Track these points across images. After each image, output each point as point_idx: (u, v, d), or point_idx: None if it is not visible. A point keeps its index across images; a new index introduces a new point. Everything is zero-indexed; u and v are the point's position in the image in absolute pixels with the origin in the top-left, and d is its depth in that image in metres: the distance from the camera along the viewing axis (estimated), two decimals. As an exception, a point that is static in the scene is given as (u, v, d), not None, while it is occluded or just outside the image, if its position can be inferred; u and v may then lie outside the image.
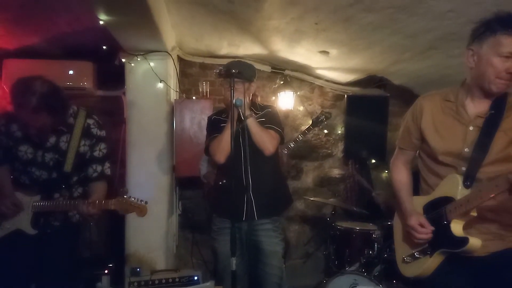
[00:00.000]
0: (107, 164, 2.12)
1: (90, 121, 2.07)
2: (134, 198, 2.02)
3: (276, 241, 2.24)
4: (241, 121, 2.05)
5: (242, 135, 2.08)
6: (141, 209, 2.02)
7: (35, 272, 2.00)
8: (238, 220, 2.11)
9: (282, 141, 2.32)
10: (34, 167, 1.99)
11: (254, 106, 2.29)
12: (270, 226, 2.22)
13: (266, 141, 2.15)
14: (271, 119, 2.26)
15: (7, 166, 2.02)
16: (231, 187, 1.84)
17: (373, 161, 3.92)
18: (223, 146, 2.11)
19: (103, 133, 2.12)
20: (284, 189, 2.49)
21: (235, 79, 1.92)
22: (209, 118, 2.39)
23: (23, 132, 1.98)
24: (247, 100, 2.12)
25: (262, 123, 2.19)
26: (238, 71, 1.90)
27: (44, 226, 2.01)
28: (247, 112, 2.10)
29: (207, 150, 2.28)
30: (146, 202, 2.04)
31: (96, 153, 2.08)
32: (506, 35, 1.33)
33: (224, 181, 2.21)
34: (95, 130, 2.08)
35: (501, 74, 1.37)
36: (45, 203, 1.98)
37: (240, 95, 2.01)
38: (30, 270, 1.99)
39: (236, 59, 2.41)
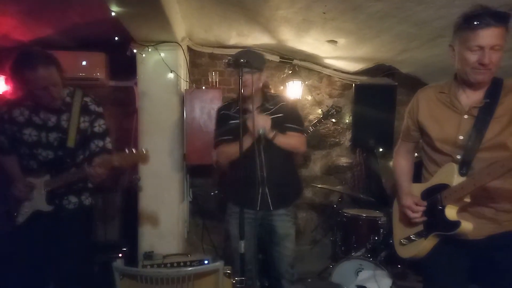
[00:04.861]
0: (107, 139, 2.18)
1: (87, 99, 2.13)
2: (134, 150, 2.01)
3: (289, 225, 2.32)
4: (260, 141, 2.11)
5: (257, 143, 2.12)
6: (142, 157, 2.02)
7: (52, 255, 2.09)
8: (253, 209, 2.18)
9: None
10: (40, 148, 2.06)
11: (265, 98, 2.27)
12: (283, 212, 2.29)
13: (297, 146, 2.27)
14: (292, 117, 2.26)
15: (14, 155, 2.11)
16: (245, 180, 1.88)
17: (381, 149, 3.94)
18: (230, 157, 2.18)
19: (100, 109, 2.17)
20: (298, 180, 2.53)
21: (244, 70, 1.94)
22: (218, 112, 2.37)
23: (25, 116, 2.06)
24: (256, 89, 2.13)
25: (280, 120, 2.19)
26: (246, 60, 1.92)
27: (58, 209, 2.09)
28: (257, 104, 2.14)
29: (215, 147, 2.32)
30: (146, 151, 2.02)
31: (96, 129, 2.13)
32: (471, 30, 1.44)
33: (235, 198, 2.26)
34: (92, 107, 2.13)
35: (475, 65, 1.46)
36: (55, 179, 2.06)
37: (249, 87, 2.03)
38: (47, 253, 2.08)
39: (245, 49, 2.44)
